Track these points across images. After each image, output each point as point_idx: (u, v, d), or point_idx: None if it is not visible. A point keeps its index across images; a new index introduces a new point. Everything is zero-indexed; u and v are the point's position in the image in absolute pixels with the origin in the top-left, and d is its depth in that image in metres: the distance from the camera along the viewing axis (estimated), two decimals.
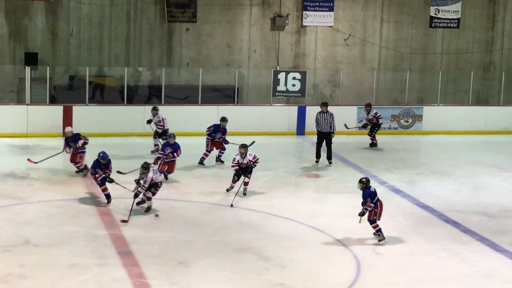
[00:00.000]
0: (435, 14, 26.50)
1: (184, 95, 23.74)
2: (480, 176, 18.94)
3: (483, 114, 25.15)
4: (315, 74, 25.71)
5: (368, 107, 22.16)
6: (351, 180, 17.34)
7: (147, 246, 12.91)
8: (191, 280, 11.57)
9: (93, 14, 24.17)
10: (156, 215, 14.51)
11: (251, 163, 16.01)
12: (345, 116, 22.38)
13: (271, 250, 12.92)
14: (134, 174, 15.06)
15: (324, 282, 11.71)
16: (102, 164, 15.15)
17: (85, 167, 17.22)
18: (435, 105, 25.08)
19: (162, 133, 19.53)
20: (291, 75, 23.93)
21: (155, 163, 16.67)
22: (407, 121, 24.50)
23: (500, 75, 26.29)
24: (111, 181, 15.09)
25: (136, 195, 14.38)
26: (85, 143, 17.10)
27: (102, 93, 23.69)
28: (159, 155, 17.00)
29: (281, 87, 23.80)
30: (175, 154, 16.88)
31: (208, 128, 18.86)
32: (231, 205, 15.36)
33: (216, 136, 18.75)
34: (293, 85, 23.84)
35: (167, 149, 16.89)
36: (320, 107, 19.59)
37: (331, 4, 25.58)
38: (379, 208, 13.40)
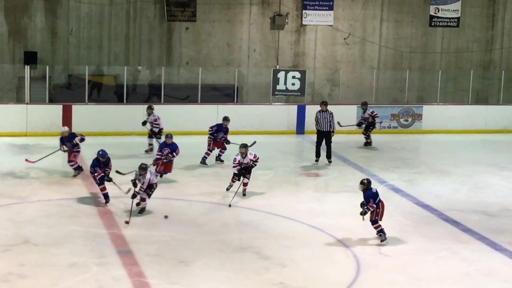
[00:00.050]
0: (435, 13, 26.49)
1: (184, 94, 23.73)
2: (480, 175, 18.94)
3: (483, 113, 25.14)
4: (314, 73, 25.70)
5: (365, 105, 22.13)
6: (351, 179, 17.37)
7: (146, 245, 12.89)
8: (191, 280, 11.55)
9: (92, 13, 24.16)
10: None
11: (252, 162, 16.01)
12: (345, 115, 22.35)
13: (271, 249, 12.91)
14: (133, 175, 15.04)
15: (324, 281, 11.70)
16: (102, 162, 15.10)
17: (79, 167, 17.16)
18: (435, 104, 25.07)
19: (158, 132, 19.52)
20: (290, 74, 23.91)
21: (154, 164, 16.63)
22: (406, 120, 24.48)
23: (500, 74, 26.26)
24: (110, 180, 15.06)
25: (134, 196, 14.32)
26: (82, 139, 17.01)
27: (99, 92, 23.69)
28: (157, 156, 16.92)
29: (280, 86, 23.79)
30: (174, 154, 16.85)
31: (210, 127, 18.82)
32: (229, 205, 15.35)
33: (218, 135, 18.72)
34: (293, 84, 23.84)
35: (165, 149, 16.84)
36: (320, 106, 19.59)
37: (331, 3, 25.56)
38: (381, 209, 13.36)
